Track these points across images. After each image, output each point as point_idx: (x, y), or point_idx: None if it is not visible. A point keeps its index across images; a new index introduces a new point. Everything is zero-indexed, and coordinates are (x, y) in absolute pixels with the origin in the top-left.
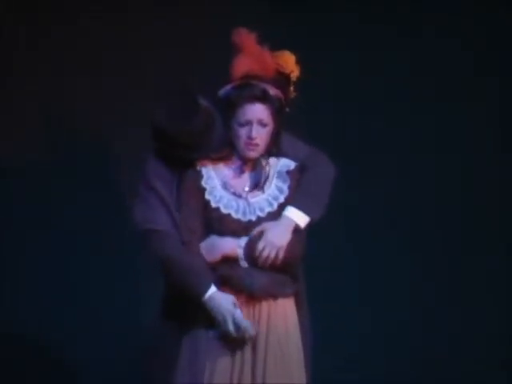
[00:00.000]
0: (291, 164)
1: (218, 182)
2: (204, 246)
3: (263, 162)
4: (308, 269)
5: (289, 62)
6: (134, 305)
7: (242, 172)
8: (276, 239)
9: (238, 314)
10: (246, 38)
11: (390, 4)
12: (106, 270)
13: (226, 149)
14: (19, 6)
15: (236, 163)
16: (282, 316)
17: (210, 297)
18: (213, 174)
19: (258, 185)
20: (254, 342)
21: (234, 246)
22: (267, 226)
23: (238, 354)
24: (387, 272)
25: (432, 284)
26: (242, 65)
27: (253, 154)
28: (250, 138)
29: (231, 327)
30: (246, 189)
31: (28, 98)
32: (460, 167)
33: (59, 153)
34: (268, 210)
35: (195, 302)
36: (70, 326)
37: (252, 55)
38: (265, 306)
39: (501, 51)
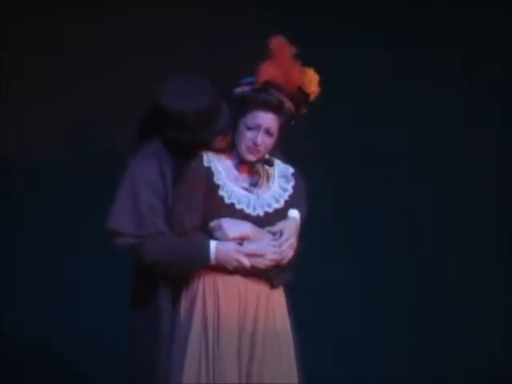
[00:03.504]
0: (290, 168)
1: (227, 176)
2: (226, 221)
3: (260, 168)
4: (307, 268)
5: (312, 81)
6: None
7: (238, 171)
8: (294, 240)
9: (246, 247)
10: (281, 46)
11: (391, 4)
12: (106, 271)
13: (226, 137)
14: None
15: (234, 161)
16: (274, 309)
17: (215, 255)
18: (219, 167)
19: (253, 186)
20: (252, 336)
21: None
22: (285, 226)
23: (236, 348)
24: (387, 272)
25: (432, 284)
26: (268, 71)
27: (251, 158)
28: (255, 143)
29: (247, 263)
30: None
31: (28, 98)
32: (460, 167)
33: (59, 153)
34: (275, 206)
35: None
36: (70, 326)
37: (281, 65)
38: (263, 297)
39: (501, 51)
